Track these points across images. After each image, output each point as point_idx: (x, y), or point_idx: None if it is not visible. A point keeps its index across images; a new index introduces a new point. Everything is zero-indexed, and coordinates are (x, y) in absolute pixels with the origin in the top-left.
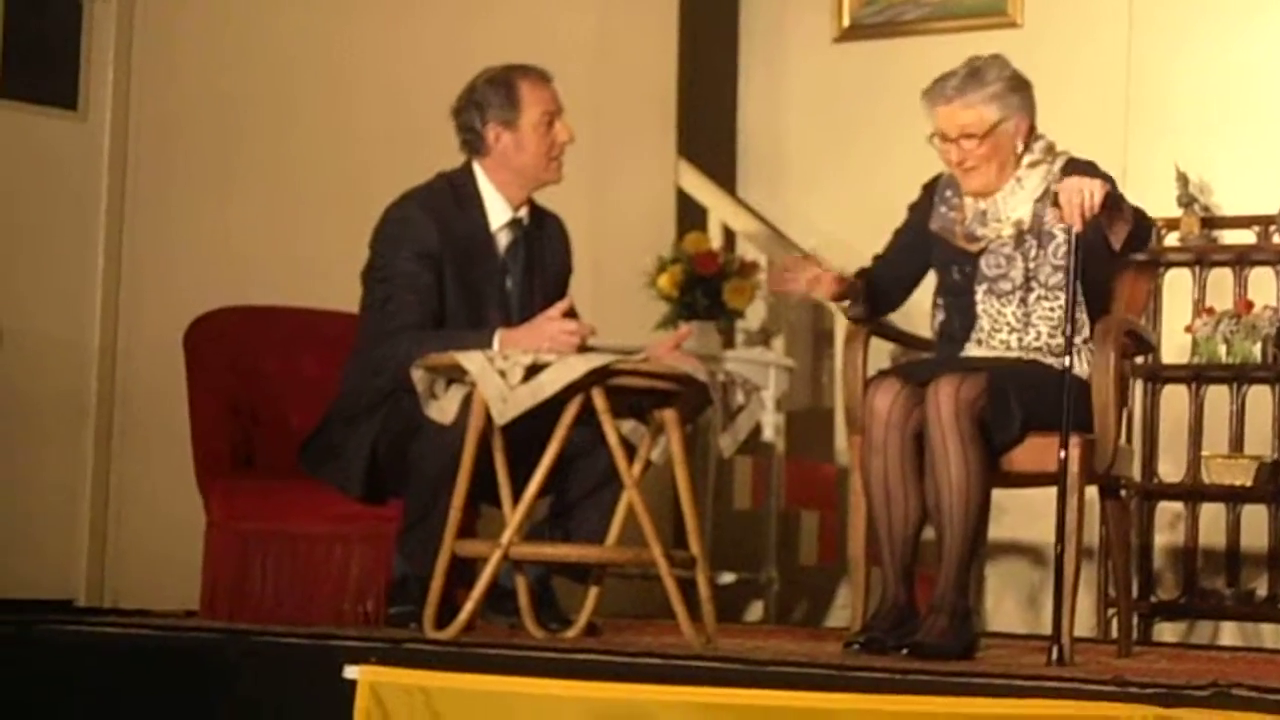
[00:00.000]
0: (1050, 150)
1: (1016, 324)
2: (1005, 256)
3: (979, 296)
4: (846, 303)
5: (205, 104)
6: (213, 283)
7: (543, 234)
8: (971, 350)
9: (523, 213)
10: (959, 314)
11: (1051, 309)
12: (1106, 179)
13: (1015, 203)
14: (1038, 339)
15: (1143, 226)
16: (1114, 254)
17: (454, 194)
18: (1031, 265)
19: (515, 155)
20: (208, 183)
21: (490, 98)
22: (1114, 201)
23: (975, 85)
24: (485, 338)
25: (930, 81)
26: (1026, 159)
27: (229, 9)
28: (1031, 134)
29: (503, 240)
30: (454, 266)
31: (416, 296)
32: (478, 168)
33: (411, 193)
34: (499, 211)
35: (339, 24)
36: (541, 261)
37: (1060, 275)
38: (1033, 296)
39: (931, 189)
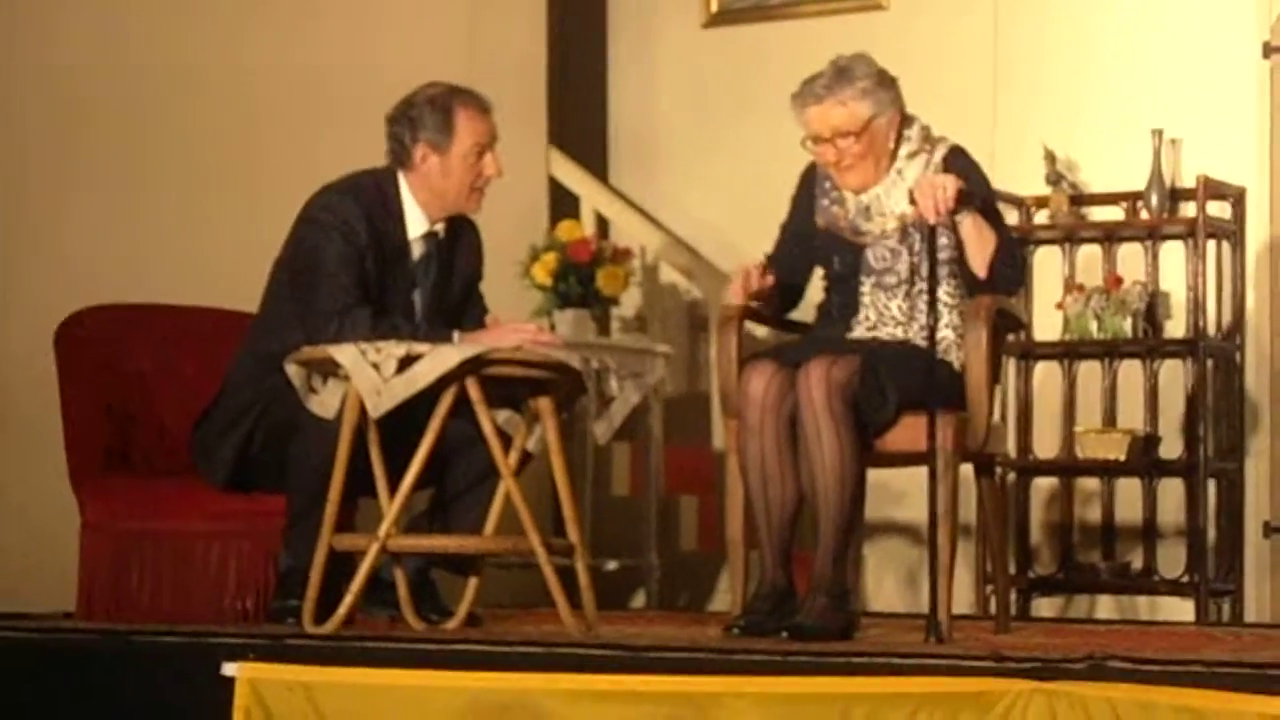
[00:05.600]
0: (928, 138)
1: (902, 317)
2: (890, 250)
3: (866, 289)
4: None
5: (78, 104)
6: (85, 282)
7: (456, 246)
8: (857, 331)
9: (439, 227)
10: (840, 296)
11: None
12: (981, 177)
13: (898, 195)
14: (923, 330)
15: (1010, 259)
16: (980, 281)
17: (380, 194)
18: (916, 259)
19: (439, 179)
20: (79, 181)
21: (426, 118)
22: (971, 201)
23: (845, 83)
24: (445, 336)
25: (799, 84)
26: (904, 149)
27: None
28: (905, 123)
29: (417, 251)
30: (372, 267)
31: (353, 280)
32: (401, 178)
33: (341, 184)
34: (417, 222)
35: (236, 16)
36: (452, 275)
37: (944, 268)
38: (916, 290)
39: (809, 180)
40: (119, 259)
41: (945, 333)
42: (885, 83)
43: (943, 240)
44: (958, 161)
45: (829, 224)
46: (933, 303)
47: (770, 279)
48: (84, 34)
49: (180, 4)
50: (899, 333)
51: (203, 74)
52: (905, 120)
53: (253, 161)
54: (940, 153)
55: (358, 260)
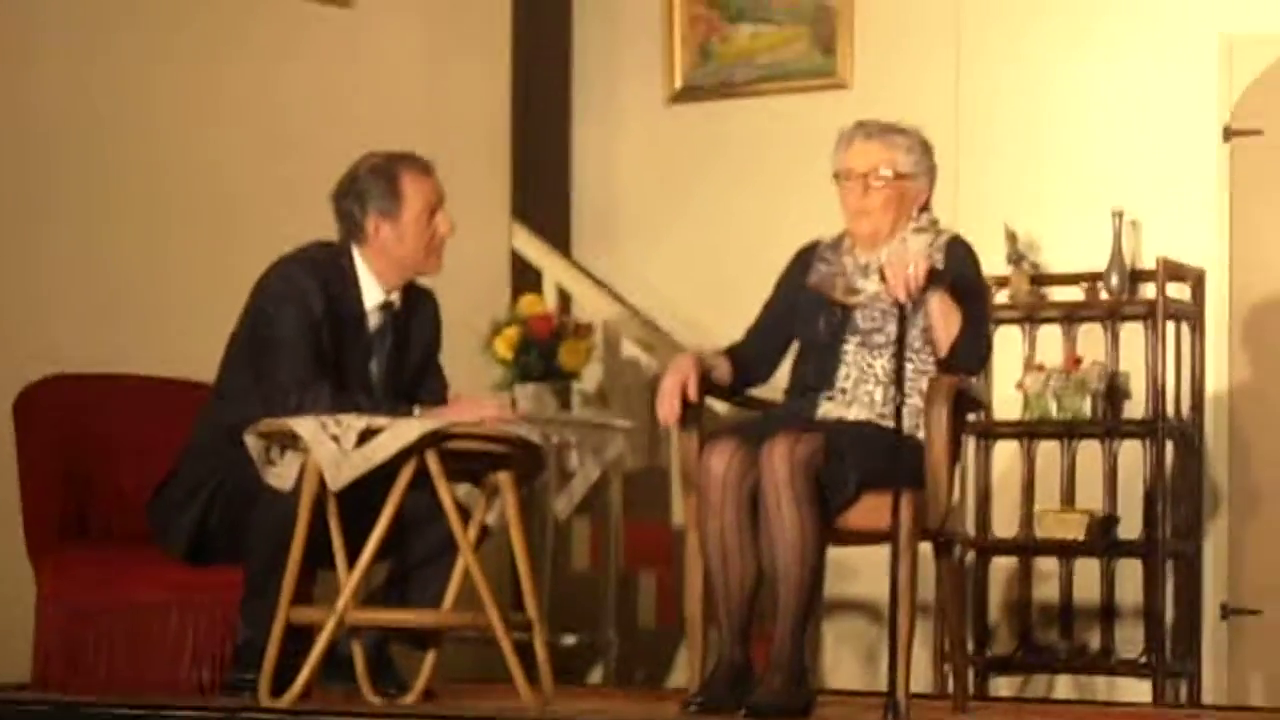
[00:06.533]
0: (936, 224)
1: (885, 377)
2: (881, 311)
3: (849, 348)
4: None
5: (40, 170)
6: (42, 351)
7: (413, 316)
8: (824, 407)
9: (395, 296)
10: (815, 365)
11: (914, 370)
12: (974, 267)
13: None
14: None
15: (974, 342)
16: (941, 360)
17: (335, 266)
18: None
19: (395, 247)
20: (40, 249)
21: (372, 188)
22: (940, 281)
23: (898, 134)
24: (405, 412)
25: (850, 125)
26: (913, 225)
27: (82, 52)
28: (925, 207)
29: (373, 321)
30: (329, 339)
31: (311, 353)
32: (355, 250)
33: (295, 256)
34: (372, 293)
35: (149, 84)
36: (408, 345)
37: (923, 336)
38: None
39: (805, 256)
40: (77, 328)
41: (916, 400)
42: (930, 156)
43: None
44: (958, 249)
45: (821, 281)
46: (900, 382)
47: (693, 388)
48: (50, 94)
49: (146, 67)
50: (878, 393)
51: (165, 139)
52: (925, 205)
53: (217, 230)
54: (944, 238)
55: (314, 332)
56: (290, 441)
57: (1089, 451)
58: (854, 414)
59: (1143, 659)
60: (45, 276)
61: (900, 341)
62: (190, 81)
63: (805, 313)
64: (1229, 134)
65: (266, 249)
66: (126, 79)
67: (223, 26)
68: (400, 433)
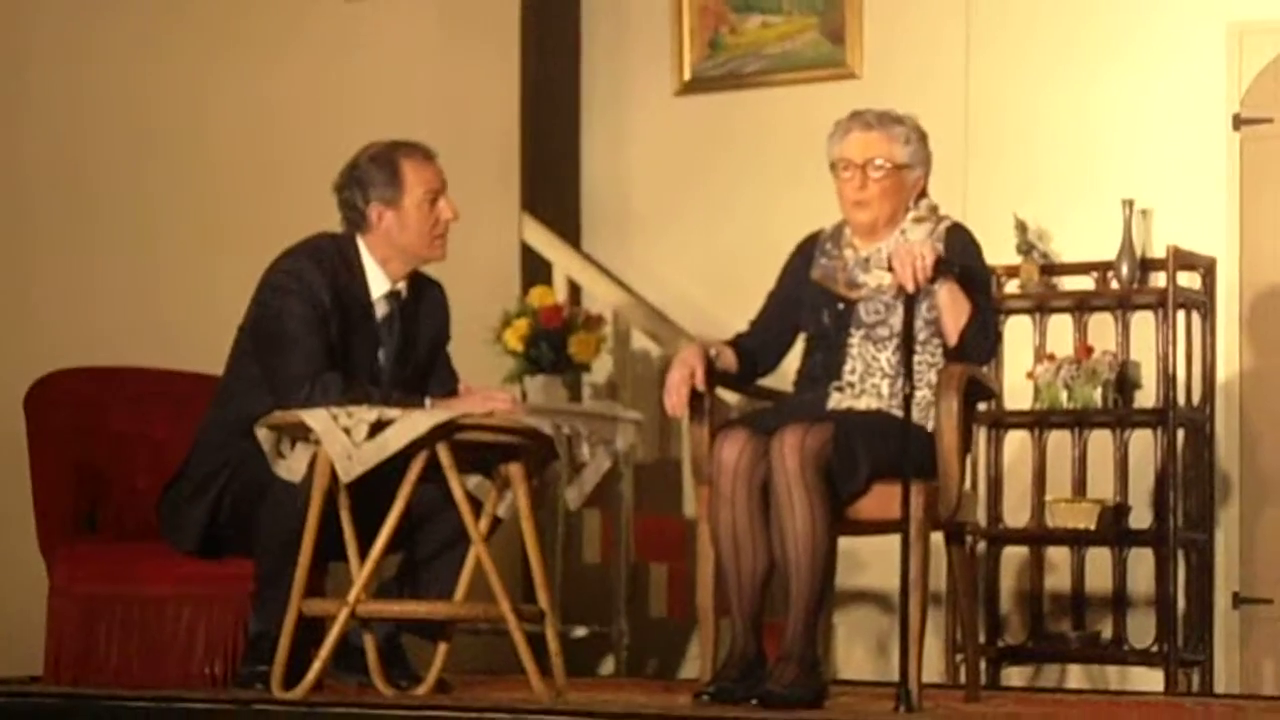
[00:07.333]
0: (935, 211)
1: (890, 370)
2: (885, 304)
3: (854, 341)
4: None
5: (42, 169)
6: (51, 346)
7: (420, 306)
8: (834, 398)
9: (401, 285)
10: (823, 355)
11: (920, 361)
12: (976, 255)
13: None
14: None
15: (982, 330)
16: (951, 349)
17: (340, 256)
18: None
19: (399, 234)
20: (44, 246)
21: (373, 176)
22: (948, 270)
23: (895, 124)
24: (416, 402)
25: (846, 115)
26: (911, 214)
27: (81, 61)
28: (922, 194)
29: (380, 310)
30: (336, 330)
31: (320, 344)
32: (360, 240)
33: (301, 248)
34: (379, 283)
35: (194, 75)
36: (416, 334)
37: (929, 329)
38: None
39: (807, 247)
40: (85, 323)
41: (924, 392)
42: (925, 144)
43: (931, 300)
44: (959, 236)
45: (824, 277)
46: (909, 372)
47: (701, 378)
48: (47, 104)
49: (142, 69)
50: (884, 386)
51: (164, 138)
52: (923, 192)
53: (215, 224)
54: (944, 225)
55: (322, 323)
56: (301, 433)
57: (1100, 441)
58: (864, 404)
59: (1154, 648)
60: (50, 272)
61: (908, 332)
62: (238, 82)
63: (809, 305)
64: (1238, 122)
65: (265, 243)
66: (175, 83)
67: (272, 27)
68: (411, 424)
